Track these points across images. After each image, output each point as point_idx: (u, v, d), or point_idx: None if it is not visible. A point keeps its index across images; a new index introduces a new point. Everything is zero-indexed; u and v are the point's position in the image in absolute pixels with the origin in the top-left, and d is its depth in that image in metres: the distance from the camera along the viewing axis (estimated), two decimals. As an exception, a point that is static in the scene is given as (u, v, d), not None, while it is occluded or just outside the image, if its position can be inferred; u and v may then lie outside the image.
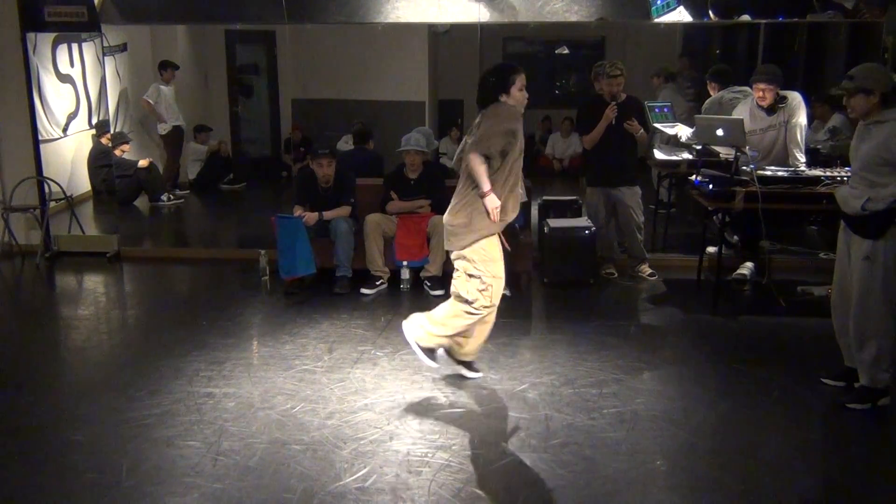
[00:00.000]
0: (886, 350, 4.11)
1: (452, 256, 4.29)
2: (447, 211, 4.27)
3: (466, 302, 4.19)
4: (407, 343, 4.38)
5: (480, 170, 4.04)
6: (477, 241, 4.15)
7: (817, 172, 5.54)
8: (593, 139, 6.33)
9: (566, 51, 12.92)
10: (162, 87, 9.26)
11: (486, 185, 4.06)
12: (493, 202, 4.07)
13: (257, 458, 3.72)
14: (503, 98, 4.13)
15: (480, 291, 4.17)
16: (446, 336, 4.31)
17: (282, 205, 7.02)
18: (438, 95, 10.72)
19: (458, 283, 4.23)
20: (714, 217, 6.15)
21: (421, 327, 4.31)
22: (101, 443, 3.88)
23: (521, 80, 4.16)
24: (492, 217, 4.09)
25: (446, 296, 6.00)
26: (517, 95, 4.15)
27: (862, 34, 7.52)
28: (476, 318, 4.23)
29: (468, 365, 4.57)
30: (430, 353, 4.34)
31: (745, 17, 6.82)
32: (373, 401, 4.28)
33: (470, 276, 4.18)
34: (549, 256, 6.48)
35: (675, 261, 6.88)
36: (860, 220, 4.08)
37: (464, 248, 4.17)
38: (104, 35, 7.66)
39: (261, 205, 9.31)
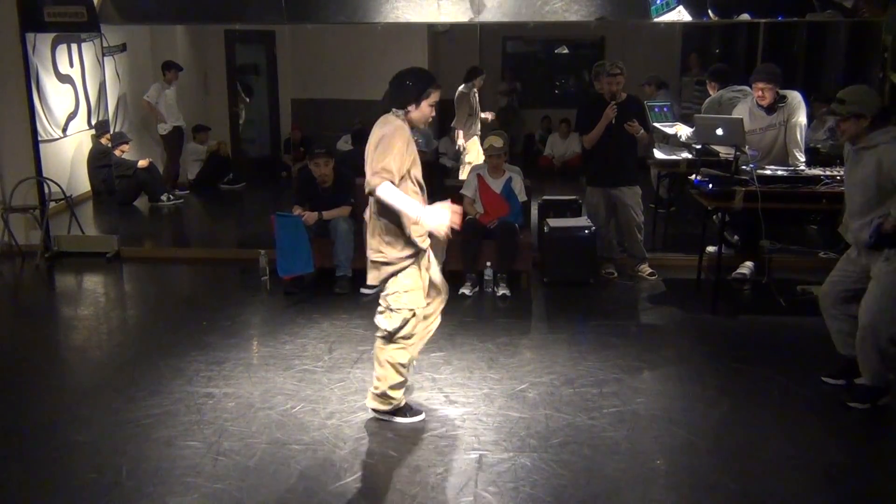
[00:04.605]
0: (892, 349, 4.10)
1: (382, 290, 3.93)
2: (367, 240, 3.90)
3: (389, 335, 3.88)
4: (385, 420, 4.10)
5: (398, 199, 3.64)
6: (393, 273, 3.82)
7: (817, 172, 5.54)
8: (593, 139, 6.33)
9: (566, 50, 12.94)
10: (164, 87, 9.27)
11: (413, 212, 3.65)
12: (433, 218, 3.66)
13: (257, 458, 3.72)
14: (411, 109, 3.75)
15: (402, 324, 3.85)
16: (399, 378, 3.97)
17: (282, 205, 7.02)
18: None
19: (379, 319, 3.91)
20: (714, 216, 6.15)
21: (375, 398, 4.03)
22: (101, 443, 3.89)
23: (436, 95, 3.78)
24: (443, 235, 3.70)
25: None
26: (425, 111, 3.78)
27: (861, 33, 7.53)
28: (401, 349, 3.91)
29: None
30: (406, 411, 4.07)
31: (745, 17, 6.82)
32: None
33: (391, 310, 3.86)
34: (549, 256, 6.48)
35: (675, 260, 6.87)
36: (874, 243, 4.07)
37: (382, 281, 3.86)
38: (103, 35, 7.66)
39: (261, 205, 9.32)
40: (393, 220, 3.78)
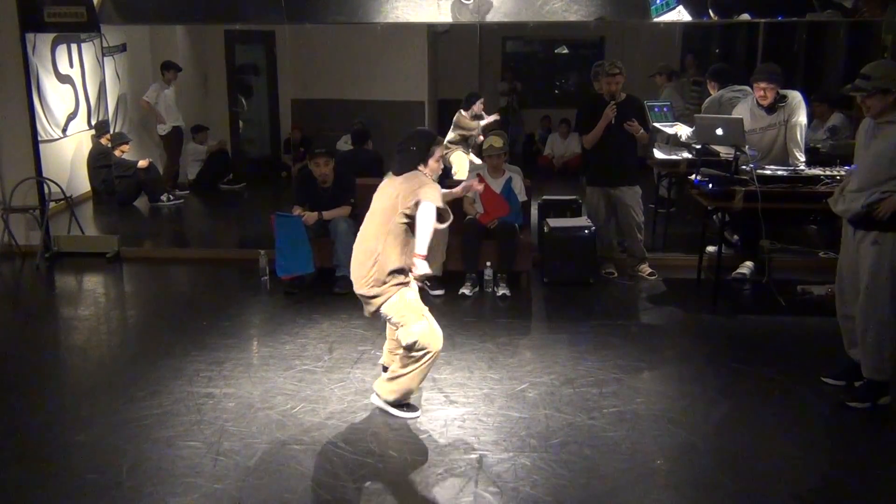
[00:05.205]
0: (889, 336, 4.10)
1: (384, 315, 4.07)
2: (355, 277, 4.04)
3: (410, 347, 3.98)
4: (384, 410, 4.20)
5: (429, 229, 3.88)
6: (383, 303, 3.98)
7: (817, 171, 5.54)
8: (593, 139, 6.33)
9: (566, 50, 12.94)
10: (162, 87, 9.26)
11: (422, 248, 3.89)
12: (424, 267, 3.92)
13: (257, 458, 3.72)
14: (421, 168, 4.03)
15: (420, 330, 3.95)
16: (414, 387, 4.12)
17: (281, 205, 7.03)
18: (438, 95, 10.72)
19: (398, 335, 4.04)
20: (714, 216, 6.15)
21: (385, 391, 4.15)
22: (101, 443, 3.89)
23: (439, 151, 4.10)
24: (417, 272, 3.94)
25: (446, 295, 6.06)
26: (433, 167, 4.08)
27: (861, 33, 7.53)
28: (430, 357, 4.01)
29: None
30: (405, 407, 4.16)
31: (745, 17, 6.82)
32: (373, 401, 4.28)
33: (401, 325, 3.98)
34: (549, 256, 6.48)
35: (675, 260, 6.87)
36: (863, 217, 4.08)
37: (375, 312, 4.03)
38: (103, 35, 7.67)
39: (261, 205, 9.31)
40: (393, 253, 3.93)
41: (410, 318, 3.96)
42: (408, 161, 4.05)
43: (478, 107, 8.21)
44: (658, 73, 8.41)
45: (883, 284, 4.06)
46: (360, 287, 4.02)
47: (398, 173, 4.05)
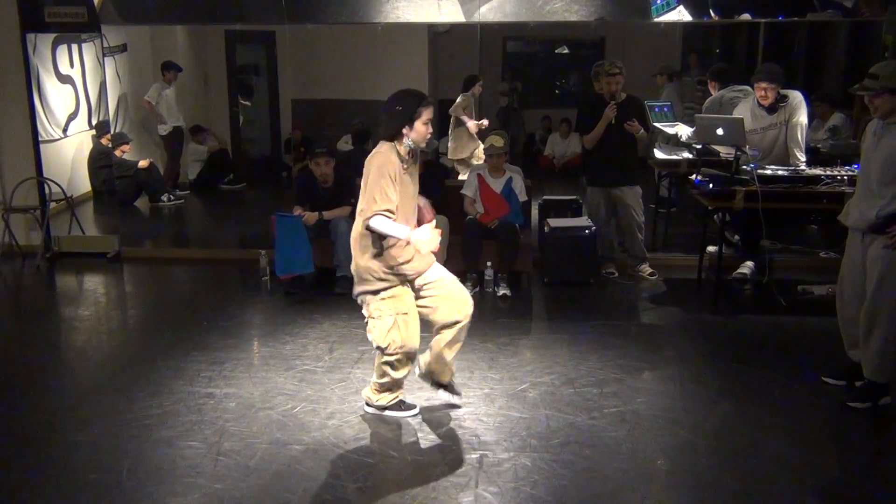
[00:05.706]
0: (892, 338, 4.10)
1: (359, 302, 3.94)
2: (353, 251, 3.91)
3: (380, 350, 3.89)
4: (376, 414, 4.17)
5: (388, 227, 3.67)
6: (371, 291, 3.83)
7: (817, 171, 5.54)
8: (593, 139, 6.32)
9: (566, 50, 12.94)
10: (163, 87, 9.27)
11: (403, 234, 3.68)
12: (419, 237, 3.65)
13: (258, 458, 3.72)
14: (406, 131, 3.75)
15: (388, 331, 3.82)
16: (394, 390, 4.10)
17: (282, 205, 7.02)
18: (438, 95, 10.69)
19: (370, 331, 3.91)
20: (714, 216, 6.15)
21: (371, 397, 4.14)
22: (102, 443, 3.89)
23: (427, 113, 3.76)
24: (425, 250, 3.68)
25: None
26: (420, 130, 3.76)
27: (861, 33, 7.54)
28: (396, 360, 3.90)
29: (447, 387, 4.25)
30: (400, 405, 4.14)
31: (746, 17, 6.82)
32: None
33: (373, 318, 3.86)
34: (549, 256, 6.48)
35: (676, 260, 6.87)
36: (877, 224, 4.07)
37: (360, 294, 3.89)
38: (104, 36, 7.67)
39: (261, 205, 9.31)
40: (375, 245, 3.78)
41: (385, 313, 3.81)
42: (393, 123, 3.76)
43: (477, 89, 8.29)
44: (659, 73, 8.42)
45: (890, 288, 4.05)
46: (354, 265, 3.88)
47: (382, 137, 3.81)
